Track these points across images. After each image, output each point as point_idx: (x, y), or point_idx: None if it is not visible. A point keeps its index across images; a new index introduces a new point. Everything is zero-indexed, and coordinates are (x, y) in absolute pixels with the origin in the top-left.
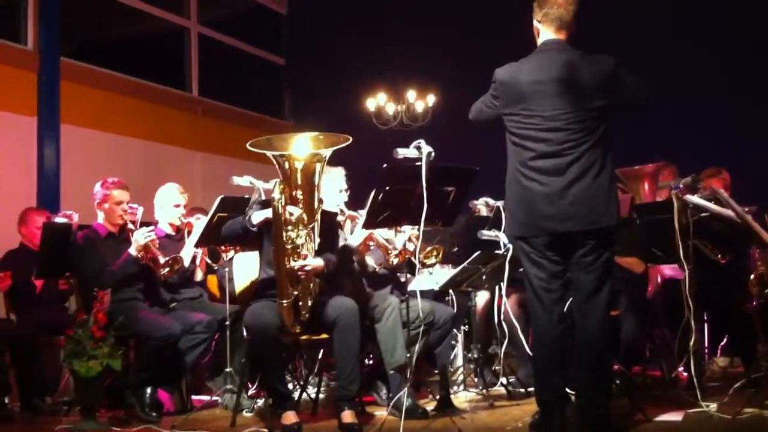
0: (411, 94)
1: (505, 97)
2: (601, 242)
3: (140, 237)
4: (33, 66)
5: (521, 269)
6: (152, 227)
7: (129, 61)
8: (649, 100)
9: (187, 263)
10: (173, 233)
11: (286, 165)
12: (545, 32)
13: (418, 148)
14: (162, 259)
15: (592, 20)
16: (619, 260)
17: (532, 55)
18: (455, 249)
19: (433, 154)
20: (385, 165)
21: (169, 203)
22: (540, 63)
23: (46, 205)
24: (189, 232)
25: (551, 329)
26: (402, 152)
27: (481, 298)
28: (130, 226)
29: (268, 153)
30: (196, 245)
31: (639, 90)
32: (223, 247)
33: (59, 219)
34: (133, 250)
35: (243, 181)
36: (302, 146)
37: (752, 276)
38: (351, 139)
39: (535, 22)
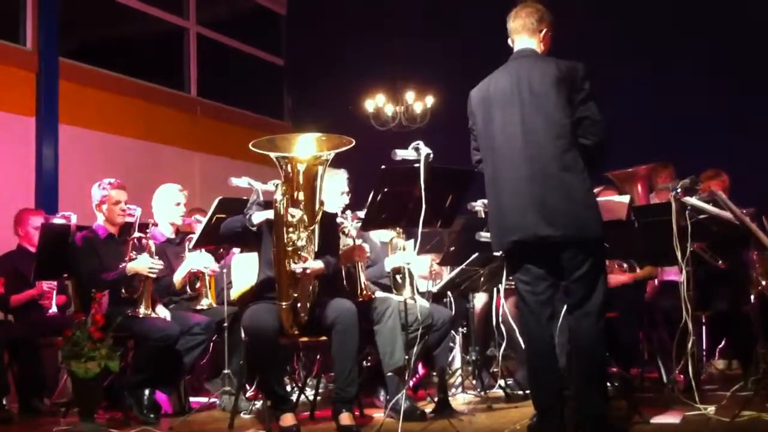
0: (410, 96)
1: (477, 114)
2: (586, 249)
3: (143, 267)
4: (32, 66)
5: None
6: (160, 263)
7: (128, 62)
8: (598, 144)
9: (178, 278)
10: (173, 236)
11: (288, 166)
12: (515, 44)
13: (417, 149)
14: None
15: (592, 21)
16: (635, 276)
17: (502, 67)
18: (451, 248)
19: (431, 155)
20: (383, 166)
21: (170, 202)
22: (507, 72)
23: (45, 205)
24: (188, 234)
25: (540, 331)
26: (400, 154)
27: (479, 300)
28: (137, 234)
29: (271, 154)
30: (196, 246)
31: (593, 126)
32: (221, 249)
33: (57, 220)
34: (130, 269)
35: (241, 182)
36: (305, 147)
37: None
38: (354, 142)
39: (509, 40)
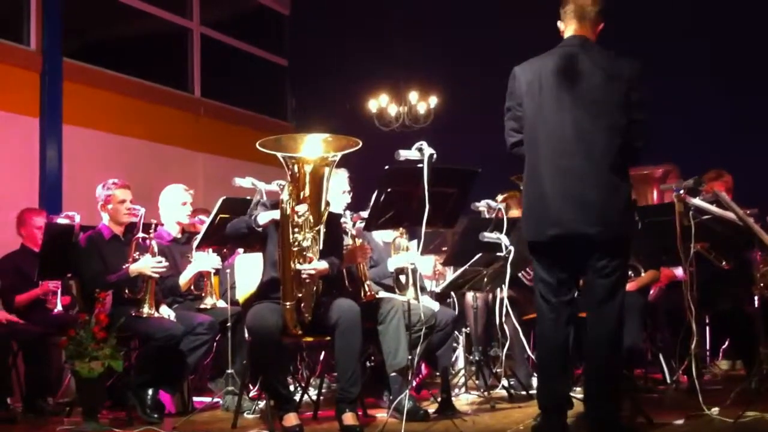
0: (413, 96)
1: (523, 95)
2: (618, 250)
3: (147, 267)
4: (36, 66)
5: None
6: (165, 263)
7: (131, 62)
8: (642, 148)
9: (184, 279)
10: (179, 236)
11: (295, 167)
12: (566, 29)
13: (420, 149)
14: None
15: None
16: (639, 283)
17: (551, 51)
18: (444, 249)
19: (434, 155)
20: (386, 167)
21: (177, 202)
22: (561, 58)
23: (48, 206)
24: (194, 234)
25: (556, 332)
26: (404, 154)
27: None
28: (141, 234)
29: (279, 154)
30: (200, 247)
31: (642, 129)
32: (225, 249)
33: (61, 220)
34: (133, 271)
35: (245, 182)
36: (312, 148)
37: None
38: (361, 143)
39: (558, 22)
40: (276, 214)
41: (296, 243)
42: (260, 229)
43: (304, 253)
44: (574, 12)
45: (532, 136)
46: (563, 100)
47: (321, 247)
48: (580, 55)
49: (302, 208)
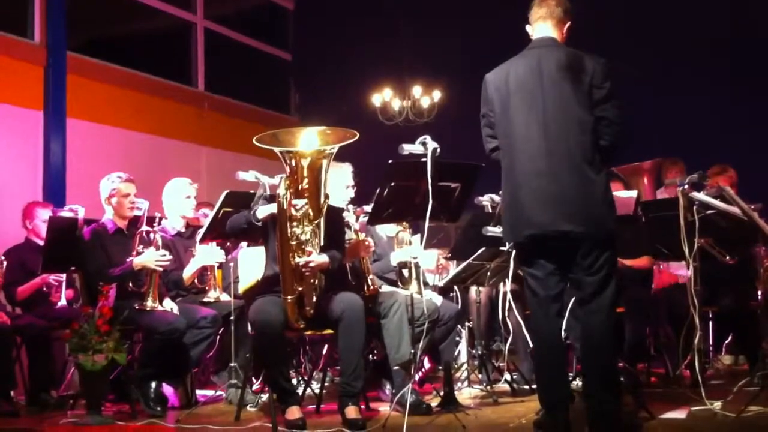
0: (417, 90)
1: (494, 100)
2: (600, 243)
3: (151, 261)
4: (40, 60)
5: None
6: (169, 257)
7: (135, 56)
8: (615, 142)
9: (188, 274)
10: (183, 230)
11: (293, 161)
12: (535, 32)
13: (424, 144)
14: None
15: (591, 20)
16: (629, 263)
17: (521, 53)
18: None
19: (438, 150)
20: (390, 161)
21: (181, 195)
22: (527, 60)
23: (52, 199)
24: (198, 227)
25: (549, 326)
26: (407, 148)
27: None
28: (145, 227)
29: (276, 149)
30: (204, 240)
31: (609, 127)
32: (228, 243)
33: (64, 213)
34: (137, 264)
35: (248, 176)
36: (309, 141)
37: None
38: (358, 135)
39: (527, 26)
40: (275, 208)
41: (294, 237)
42: (259, 224)
43: (303, 246)
44: (540, 14)
45: (504, 140)
46: (530, 102)
47: (321, 241)
48: (545, 56)
49: (300, 202)
